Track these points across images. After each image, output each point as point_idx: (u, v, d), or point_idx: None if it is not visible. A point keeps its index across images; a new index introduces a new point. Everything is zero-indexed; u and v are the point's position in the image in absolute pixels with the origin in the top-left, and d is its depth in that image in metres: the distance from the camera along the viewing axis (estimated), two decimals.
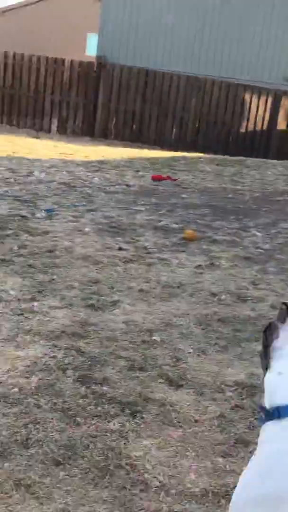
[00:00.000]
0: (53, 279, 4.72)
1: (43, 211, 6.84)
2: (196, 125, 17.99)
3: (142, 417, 2.98)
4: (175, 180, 9.79)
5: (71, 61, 18.13)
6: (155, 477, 2.58)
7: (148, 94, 18.00)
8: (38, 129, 17.78)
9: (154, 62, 19.45)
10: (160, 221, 6.90)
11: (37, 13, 38.87)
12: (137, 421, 2.95)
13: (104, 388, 3.21)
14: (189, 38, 19.02)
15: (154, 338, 3.87)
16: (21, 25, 38.85)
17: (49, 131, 17.97)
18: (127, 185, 9.03)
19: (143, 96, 18.02)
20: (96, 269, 5.08)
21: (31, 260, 5.14)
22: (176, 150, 16.60)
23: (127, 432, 2.86)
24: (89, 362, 3.46)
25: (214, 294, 4.72)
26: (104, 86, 17.97)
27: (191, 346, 3.80)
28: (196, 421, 3.00)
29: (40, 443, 2.69)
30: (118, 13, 19.74)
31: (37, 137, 15.74)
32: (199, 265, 5.41)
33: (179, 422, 2.99)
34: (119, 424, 2.90)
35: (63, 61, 18.13)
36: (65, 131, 18.10)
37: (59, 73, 18.04)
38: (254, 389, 3.32)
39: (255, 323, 4.25)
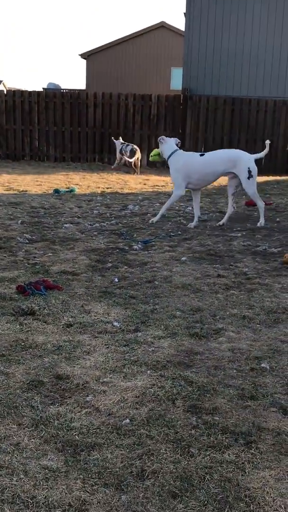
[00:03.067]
0: (155, 309, 4.72)
1: (139, 243, 6.90)
2: (287, 149, 17.74)
3: (258, 447, 2.88)
4: (269, 204, 9.64)
5: (158, 96, 18.47)
6: (276, 510, 2.46)
7: (235, 121, 18.02)
8: (130, 164, 18.08)
9: (239, 89, 19.48)
10: (257, 246, 6.79)
11: (120, 54, 40.19)
12: (253, 451, 2.85)
13: (216, 418, 3.14)
14: (273, 62, 18.93)
15: (263, 365, 3.76)
16: (105, 66, 40.25)
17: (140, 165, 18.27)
18: (222, 212, 8.98)
19: (231, 123, 18.04)
20: (197, 298, 5.04)
21: (132, 291, 5.17)
22: (267, 174, 16.41)
23: (243, 463, 2.76)
24: (198, 392, 3.40)
25: None
26: (192, 117, 18.13)
27: None
28: None
29: (156, 474, 2.65)
30: (201, 45, 19.98)
31: (128, 172, 16.01)
32: None
33: None
34: (234, 455, 2.82)
35: (150, 96, 18.50)
36: (154, 165, 18.34)
37: (146, 108, 18.41)
38: None
39: None
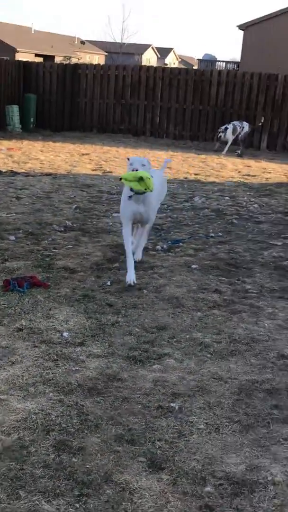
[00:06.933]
0: (118, 322, 4.57)
1: (168, 242, 6.68)
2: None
3: (86, 502, 2.70)
4: None
5: (285, 76, 17.56)
6: None
7: None
8: (247, 145, 17.40)
9: None
10: None
11: (280, 26, 38.57)
12: (80, 504, 2.68)
13: (74, 459, 2.98)
14: None
15: (172, 405, 3.50)
16: (263, 38, 38.95)
17: (258, 148, 17.64)
18: (286, 213, 8.42)
19: None
20: (173, 314, 4.79)
21: (114, 298, 5.04)
22: None
23: None
24: (79, 426, 3.25)
25: (283, 357, 4.13)
26: None
27: (206, 421, 3.36)
28: None
29: None
30: None
31: (240, 155, 15.47)
32: None
33: None
34: (57, 506, 2.67)
35: (276, 76, 17.66)
36: (274, 147, 17.64)
37: (271, 89, 17.63)
38: (243, 487, 2.82)
39: None
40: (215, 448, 3.13)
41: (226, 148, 16.03)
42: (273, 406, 3.53)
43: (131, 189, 5.34)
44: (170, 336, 4.39)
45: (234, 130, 16.08)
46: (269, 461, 3.03)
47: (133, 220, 5.63)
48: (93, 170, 11.47)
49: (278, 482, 2.85)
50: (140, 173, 5.21)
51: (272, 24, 38.97)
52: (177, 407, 3.48)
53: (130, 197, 5.43)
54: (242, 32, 41.83)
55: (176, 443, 3.16)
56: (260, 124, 16.94)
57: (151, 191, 5.34)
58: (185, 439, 3.20)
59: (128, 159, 5.61)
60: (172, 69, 19.46)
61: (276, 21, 38.93)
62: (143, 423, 3.32)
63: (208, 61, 47.84)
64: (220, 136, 15.81)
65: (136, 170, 5.25)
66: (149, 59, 71.84)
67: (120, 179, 5.39)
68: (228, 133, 15.86)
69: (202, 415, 3.42)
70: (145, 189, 5.24)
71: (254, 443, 3.19)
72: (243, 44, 41.29)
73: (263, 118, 16.98)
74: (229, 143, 16.08)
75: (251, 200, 9.24)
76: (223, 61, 48.78)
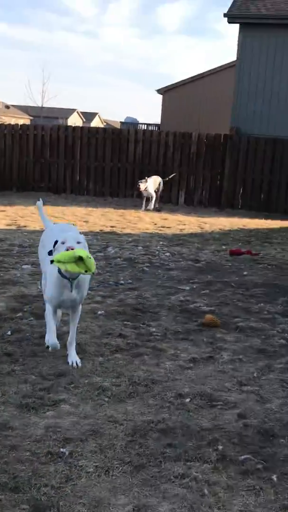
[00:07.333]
0: (14, 371, 4.40)
1: None
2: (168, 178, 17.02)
3: None
4: (256, 254, 9.09)
5: (198, 135, 18.18)
6: None
7: (276, 163, 17.40)
8: (166, 201, 17.73)
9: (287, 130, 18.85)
10: (194, 302, 6.32)
11: (195, 91, 40.31)
12: None
13: None
14: None
15: (62, 450, 3.36)
16: (179, 102, 40.53)
17: (177, 203, 18.00)
18: (196, 260, 8.53)
19: (271, 165, 17.44)
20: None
21: (13, 347, 4.88)
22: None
23: None
24: None
25: (180, 396, 4.08)
26: (231, 157, 17.70)
27: (97, 464, 3.24)
28: None
29: None
30: (251, 84, 19.58)
31: (159, 210, 15.70)
32: (193, 358, 4.77)
33: None
34: None
35: (190, 135, 18.24)
36: (192, 203, 18.03)
37: (186, 146, 18.16)
38: None
39: (204, 436, 3.55)
40: (103, 490, 3.01)
41: (152, 203, 15.98)
42: (166, 445, 3.45)
43: (62, 273, 4.29)
44: (68, 382, 4.26)
45: (155, 183, 16.30)
46: (158, 500, 2.93)
47: (62, 307, 4.71)
48: (7, 225, 11.34)
49: None
50: (78, 252, 4.06)
51: (186, 89, 40.73)
52: (67, 452, 3.34)
53: (63, 276, 4.33)
54: (161, 96, 43.42)
55: (62, 488, 3.02)
56: (167, 178, 17.20)
57: (93, 273, 4.31)
58: (73, 483, 3.06)
59: (56, 242, 4.33)
60: (90, 128, 19.81)
61: (190, 87, 40.72)
62: (30, 470, 3.16)
63: (130, 124, 49.06)
64: (139, 186, 15.67)
65: (72, 249, 4.12)
66: (75, 123, 73.18)
67: (52, 261, 4.18)
68: (150, 187, 15.91)
69: (93, 458, 3.29)
70: (85, 271, 4.12)
71: (144, 482, 3.09)
72: (162, 107, 42.78)
73: (174, 174, 17.47)
74: (154, 196, 16.13)
75: (164, 249, 9.33)
76: (144, 124, 50.14)
